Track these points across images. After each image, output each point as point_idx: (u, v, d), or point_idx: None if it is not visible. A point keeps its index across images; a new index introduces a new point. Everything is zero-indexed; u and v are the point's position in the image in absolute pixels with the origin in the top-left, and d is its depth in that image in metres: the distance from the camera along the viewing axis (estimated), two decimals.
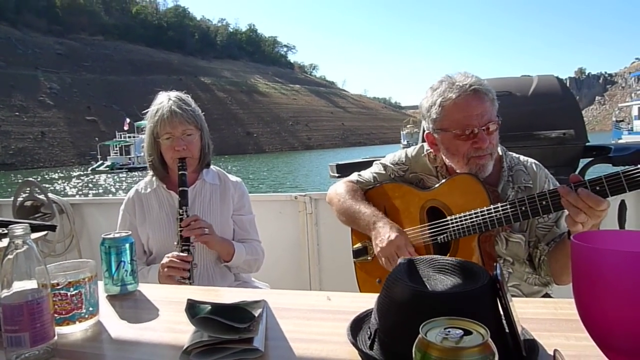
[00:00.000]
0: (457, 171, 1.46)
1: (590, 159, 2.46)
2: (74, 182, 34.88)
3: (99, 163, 57.87)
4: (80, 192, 26.11)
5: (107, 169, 53.05)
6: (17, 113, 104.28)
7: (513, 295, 1.17)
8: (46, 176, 46.92)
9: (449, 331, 0.56)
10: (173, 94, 1.76)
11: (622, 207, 2.21)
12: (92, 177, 42.99)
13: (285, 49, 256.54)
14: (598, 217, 1.17)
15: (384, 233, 1.44)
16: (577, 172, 2.40)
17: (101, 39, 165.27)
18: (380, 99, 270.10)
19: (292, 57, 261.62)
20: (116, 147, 59.67)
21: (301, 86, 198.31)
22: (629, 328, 0.57)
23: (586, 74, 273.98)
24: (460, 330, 0.56)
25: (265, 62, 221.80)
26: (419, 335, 0.56)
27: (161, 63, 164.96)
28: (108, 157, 58.85)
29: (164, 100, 1.73)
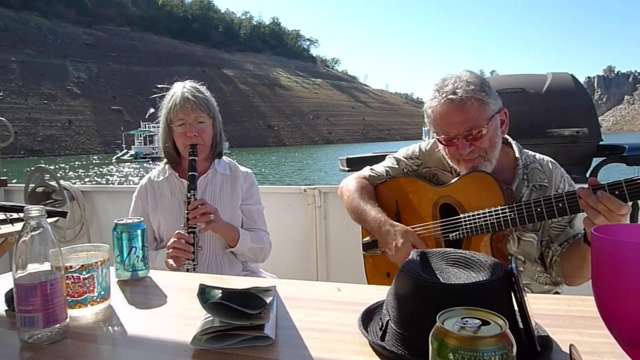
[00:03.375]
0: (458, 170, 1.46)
1: (604, 157, 2.41)
2: (101, 171, 35.55)
3: (123, 152, 59.08)
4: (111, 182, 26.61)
5: (131, 157, 54.14)
6: (45, 101, 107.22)
7: None
8: (71, 164, 47.94)
9: (466, 321, 0.55)
10: (188, 83, 1.79)
11: (635, 207, 2.19)
12: (117, 166, 43.79)
13: (307, 43, 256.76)
14: (617, 221, 1.14)
15: (391, 240, 1.43)
16: (589, 171, 2.36)
17: (128, 30, 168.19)
18: (402, 94, 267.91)
19: (314, 51, 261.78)
20: (140, 136, 60.84)
21: (323, 80, 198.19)
22: None
23: (615, 72, 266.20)
24: (478, 320, 0.56)
25: (287, 55, 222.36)
26: (436, 324, 0.55)
27: (185, 55, 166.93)
28: (132, 146, 60.07)
29: (178, 88, 1.76)
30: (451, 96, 1.35)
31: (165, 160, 1.86)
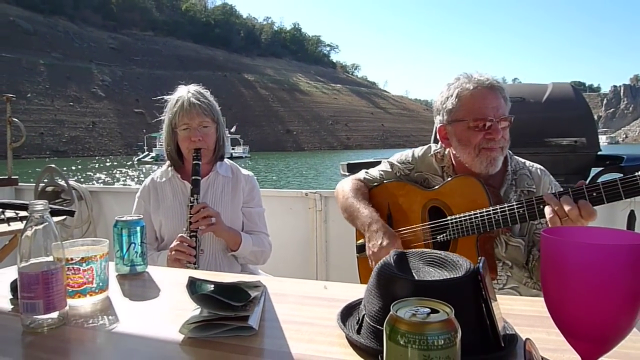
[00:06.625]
0: (467, 164, 1.49)
1: (602, 168, 2.42)
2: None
3: (144, 154, 60.22)
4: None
5: (152, 160, 55.08)
6: (71, 103, 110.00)
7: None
8: (95, 165, 48.88)
9: (417, 309, 0.61)
10: (192, 88, 1.82)
11: (632, 217, 2.19)
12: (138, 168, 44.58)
13: (328, 49, 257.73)
14: (581, 225, 1.18)
15: (377, 238, 1.48)
16: (587, 181, 2.39)
17: (151, 35, 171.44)
18: (421, 100, 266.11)
19: (334, 57, 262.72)
20: (162, 139, 61.76)
21: (342, 86, 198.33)
22: (590, 317, 0.59)
23: None
24: (428, 309, 0.61)
25: (307, 61, 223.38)
26: (390, 312, 0.60)
27: (207, 59, 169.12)
28: (154, 148, 61.13)
29: (183, 93, 1.79)
30: (492, 82, 1.43)
31: (168, 162, 1.91)
